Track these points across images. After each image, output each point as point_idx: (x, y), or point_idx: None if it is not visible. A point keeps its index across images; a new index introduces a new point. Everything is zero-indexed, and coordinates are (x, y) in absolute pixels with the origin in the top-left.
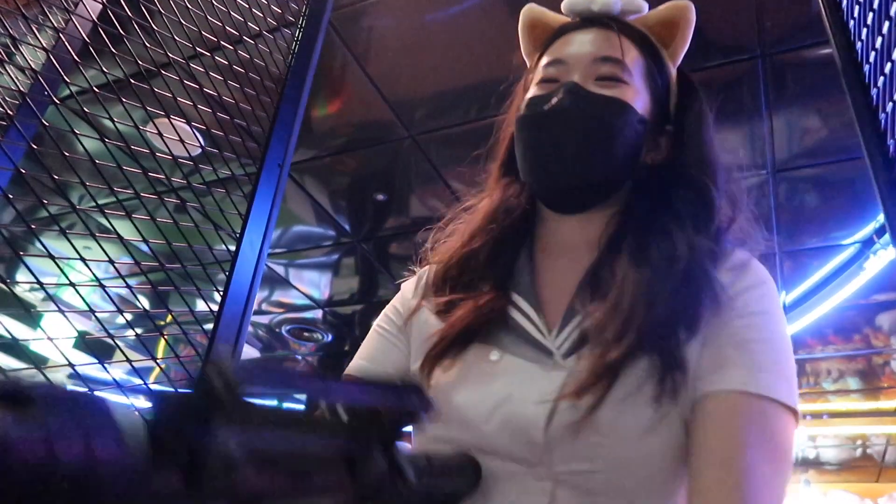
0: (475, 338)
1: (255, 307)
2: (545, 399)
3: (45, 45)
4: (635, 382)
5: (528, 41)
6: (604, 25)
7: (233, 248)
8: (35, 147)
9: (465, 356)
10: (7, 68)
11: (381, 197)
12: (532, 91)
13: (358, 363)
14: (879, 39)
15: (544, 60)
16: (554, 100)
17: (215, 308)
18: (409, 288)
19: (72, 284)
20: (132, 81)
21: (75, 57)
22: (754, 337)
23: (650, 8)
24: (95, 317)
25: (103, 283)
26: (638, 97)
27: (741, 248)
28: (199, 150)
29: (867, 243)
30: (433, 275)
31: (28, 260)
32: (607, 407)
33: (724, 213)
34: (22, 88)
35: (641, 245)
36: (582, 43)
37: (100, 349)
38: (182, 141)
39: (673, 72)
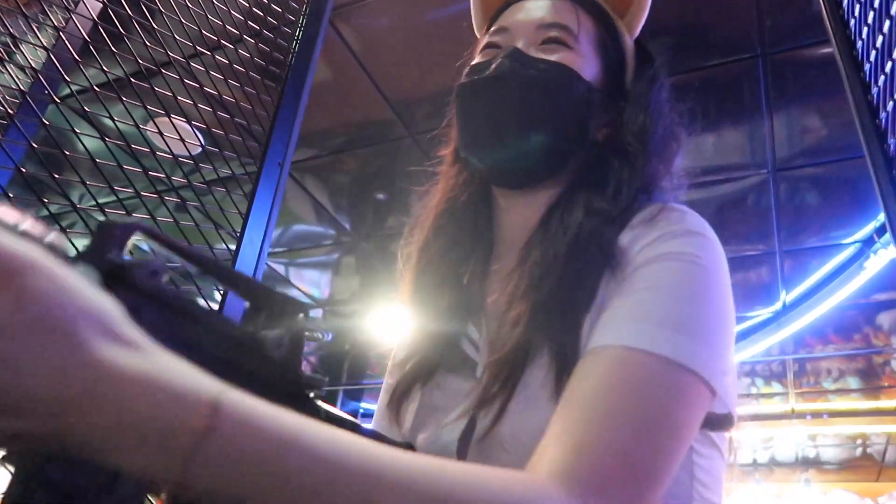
0: (433, 372)
1: None
2: (457, 420)
3: (45, 43)
4: (538, 381)
5: (478, 13)
6: None
7: (233, 247)
8: (35, 146)
9: (421, 394)
10: (7, 67)
11: (381, 196)
12: (474, 60)
13: (376, 423)
14: (880, 38)
15: (491, 30)
16: (493, 66)
17: (216, 307)
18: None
19: None
20: (132, 80)
21: (76, 56)
22: (643, 286)
23: None
24: None
25: None
26: (586, 64)
27: (665, 201)
28: (200, 149)
29: (867, 242)
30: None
31: None
32: (511, 416)
33: (652, 173)
34: (22, 87)
35: (546, 225)
36: (529, 10)
37: None
38: (182, 140)
39: (629, 43)
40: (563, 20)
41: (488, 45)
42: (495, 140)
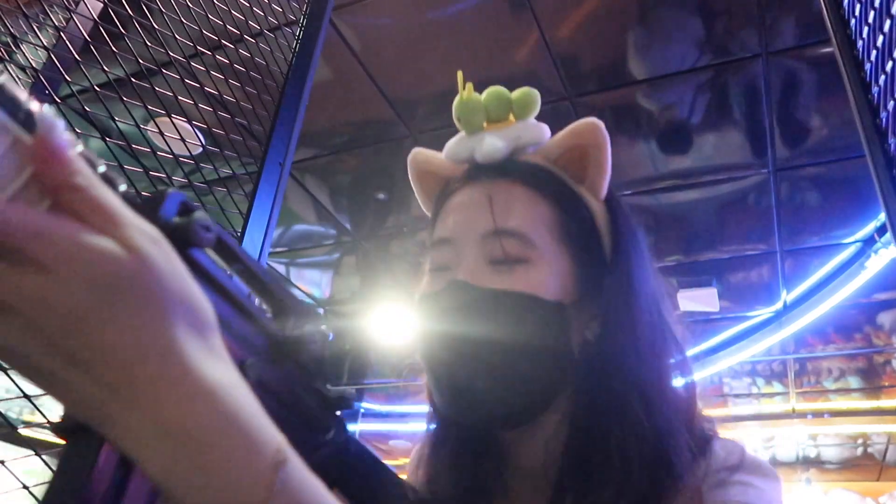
0: None
1: None
2: None
3: (45, 43)
4: None
5: (421, 194)
6: (492, 178)
7: None
8: None
9: None
10: (8, 67)
11: (381, 196)
12: (423, 283)
13: None
14: (881, 38)
15: (434, 236)
16: (438, 310)
17: None
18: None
19: None
20: (133, 80)
21: (76, 56)
22: None
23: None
24: None
25: None
26: (550, 270)
27: (718, 435)
28: (201, 149)
29: (868, 242)
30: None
31: None
32: None
33: (657, 368)
34: (23, 87)
35: (581, 488)
36: (467, 212)
37: None
38: (183, 140)
39: (597, 209)
40: (512, 223)
41: (434, 266)
42: (460, 402)
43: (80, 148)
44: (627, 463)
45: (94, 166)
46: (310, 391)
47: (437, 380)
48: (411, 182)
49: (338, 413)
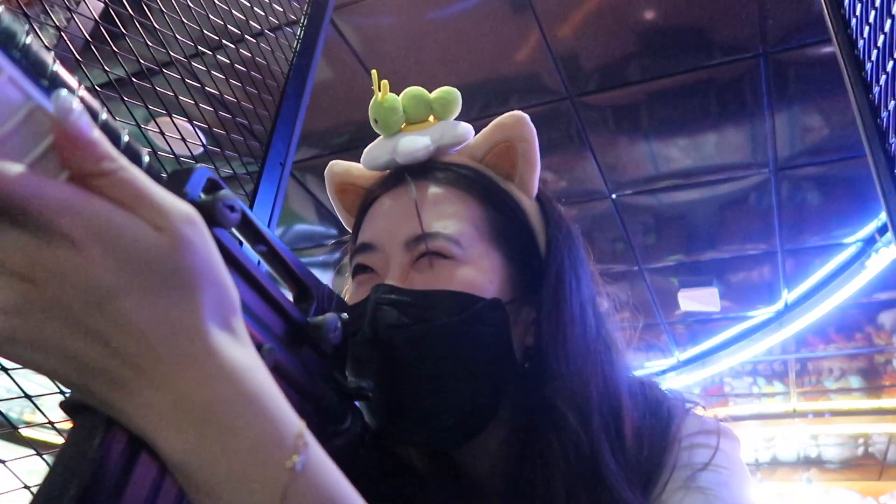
0: None
1: None
2: None
3: (46, 43)
4: None
5: (340, 209)
6: (415, 180)
7: None
8: None
9: None
10: None
11: None
12: (349, 293)
13: None
14: (882, 37)
15: (357, 242)
16: (366, 321)
17: None
18: None
19: None
20: (134, 80)
21: (77, 56)
22: None
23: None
24: None
25: None
26: (479, 270)
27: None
28: (201, 149)
29: (869, 241)
30: None
31: None
32: None
33: (602, 374)
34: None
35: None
36: (390, 217)
37: None
38: (184, 139)
39: (529, 206)
40: (437, 226)
41: (359, 268)
42: (409, 428)
43: (103, 116)
44: (569, 479)
45: (117, 139)
46: (327, 379)
47: (378, 410)
48: (330, 198)
49: (355, 403)
